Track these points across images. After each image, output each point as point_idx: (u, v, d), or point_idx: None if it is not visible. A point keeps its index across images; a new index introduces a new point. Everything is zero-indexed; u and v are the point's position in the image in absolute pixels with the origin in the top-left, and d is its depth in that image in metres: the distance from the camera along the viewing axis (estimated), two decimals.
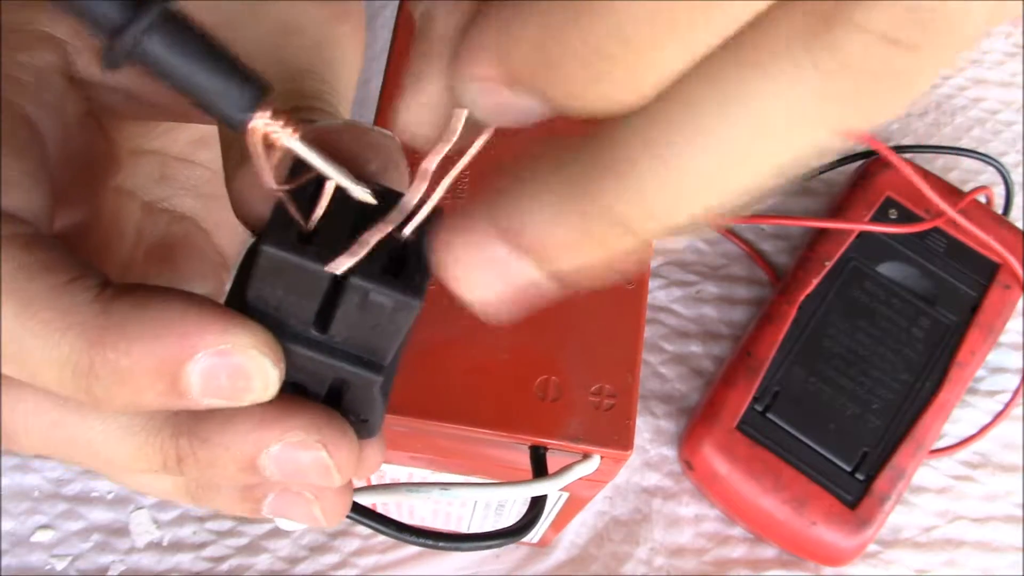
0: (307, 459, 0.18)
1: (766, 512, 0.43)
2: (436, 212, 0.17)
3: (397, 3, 0.39)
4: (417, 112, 0.17)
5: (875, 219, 0.47)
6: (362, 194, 0.16)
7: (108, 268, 0.24)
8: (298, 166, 0.16)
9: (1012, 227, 0.48)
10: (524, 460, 0.27)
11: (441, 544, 0.25)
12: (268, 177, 0.16)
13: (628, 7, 0.13)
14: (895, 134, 0.54)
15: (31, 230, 0.19)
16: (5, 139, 0.20)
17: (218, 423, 0.18)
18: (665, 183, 0.14)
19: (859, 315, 0.46)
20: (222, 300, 0.19)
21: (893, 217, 0.47)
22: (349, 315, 0.17)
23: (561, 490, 0.30)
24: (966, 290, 0.46)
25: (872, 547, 0.45)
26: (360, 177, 0.17)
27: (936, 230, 0.47)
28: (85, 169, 0.23)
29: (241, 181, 0.19)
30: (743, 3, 0.13)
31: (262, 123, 0.15)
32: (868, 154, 0.50)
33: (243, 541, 0.43)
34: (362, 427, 0.20)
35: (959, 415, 0.47)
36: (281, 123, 0.15)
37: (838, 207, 0.48)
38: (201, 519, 0.43)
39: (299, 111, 0.20)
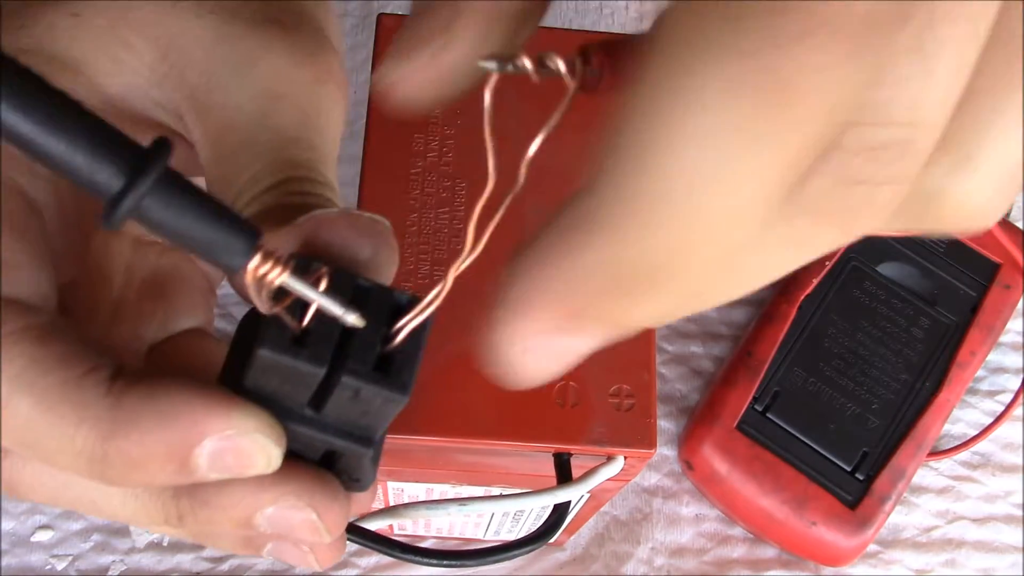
0: (298, 520, 0.20)
1: (766, 512, 0.43)
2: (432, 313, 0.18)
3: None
4: (426, 74, 0.17)
5: None
6: (353, 320, 0.17)
7: (101, 311, 0.25)
8: (299, 264, 0.18)
9: (1012, 227, 0.48)
10: (547, 467, 0.27)
11: (468, 563, 0.25)
12: (265, 307, 0.17)
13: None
14: None
15: (44, 319, 0.20)
16: (4, 219, 0.20)
17: (215, 487, 0.20)
18: None
19: (859, 315, 0.46)
20: (212, 328, 0.19)
21: None
22: (341, 403, 0.18)
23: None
24: (966, 290, 0.46)
25: (872, 547, 0.45)
26: (355, 262, 0.18)
27: None
28: (77, 226, 0.23)
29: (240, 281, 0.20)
30: None
31: (255, 267, 0.17)
32: None
33: None
34: (354, 484, 0.21)
35: (959, 415, 0.48)
36: (271, 264, 0.17)
37: None
38: None
39: (289, 182, 0.21)
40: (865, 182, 0.13)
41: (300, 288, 0.17)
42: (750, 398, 0.44)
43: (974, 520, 0.46)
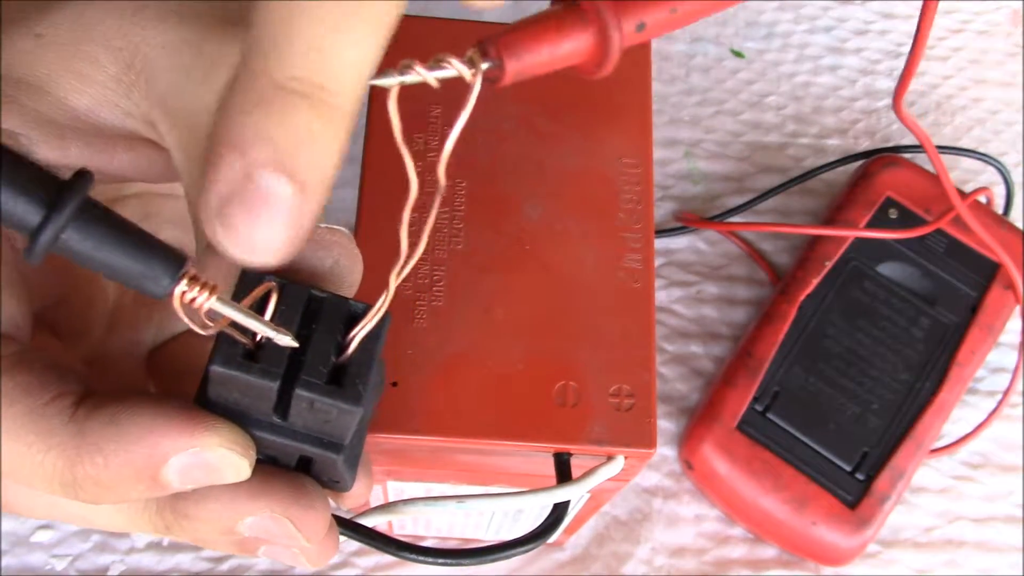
0: (277, 529, 0.21)
1: (766, 512, 0.43)
2: (383, 320, 0.18)
3: None
4: None
5: (875, 219, 0.47)
6: (283, 340, 0.18)
7: (97, 323, 0.25)
8: (248, 279, 0.18)
9: (1012, 227, 0.48)
10: (547, 468, 0.27)
11: (465, 561, 0.25)
12: (200, 328, 0.18)
13: None
14: (895, 134, 0.54)
15: (13, 349, 0.20)
16: None
17: (194, 502, 0.21)
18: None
19: (859, 315, 0.46)
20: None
21: (893, 217, 0.47)
22: (302, 413, 0.19)
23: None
24: (966, 290, 0.46)
25: (872, 547, 0.45)
26: (316, 275, 0.19)
27: (936, 230, 0.47)
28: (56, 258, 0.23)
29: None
30: None
31: (182, 293, 0.17)
32: (869, 154, 0.50)
33: None
34: (335, 485, 0.22)
35: (959, 415, 0.48)
36: (198, 289, 0.17)
37: (838, 207, 0.49)
38: None
39: None
40: None
41: (229, 312, 0.17)
42: (750, 398, 0.44)
43: (974, 520, 0.46)
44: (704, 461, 0.43)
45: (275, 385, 0.18)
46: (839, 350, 0.45)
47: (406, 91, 0.32)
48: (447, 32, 0.31)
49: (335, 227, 0.20)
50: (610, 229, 0.29)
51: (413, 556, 0.25)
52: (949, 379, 0.45)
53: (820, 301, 0.46)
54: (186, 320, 0.17)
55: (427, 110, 0.30)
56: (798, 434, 0.43)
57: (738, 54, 0.55)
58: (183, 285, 0.17)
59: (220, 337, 0.18)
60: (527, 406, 0.26)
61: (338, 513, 0.24)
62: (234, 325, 0.18)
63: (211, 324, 0.18)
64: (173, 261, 0.17)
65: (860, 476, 0.43)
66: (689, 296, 0.50)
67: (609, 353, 0.27)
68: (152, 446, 0.19)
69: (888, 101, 0.55)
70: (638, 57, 0.31)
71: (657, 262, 0.50)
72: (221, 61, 0.22)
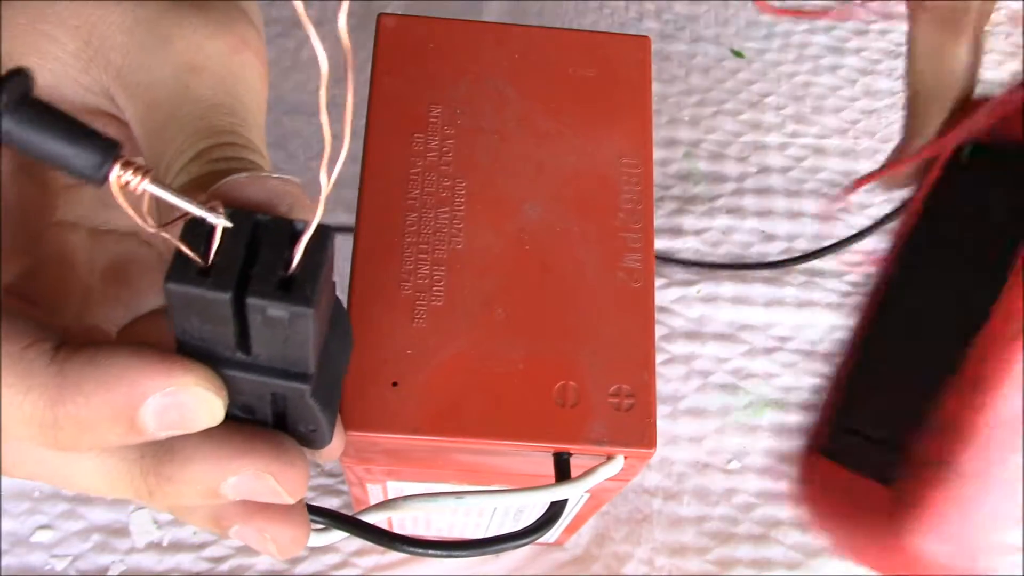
0: (260, 487, 0.21)
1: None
2: (325, 232, 0.19)
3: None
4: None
5: None
6: (216, 220, 0.19)
7: (69, 302, 0.26)
8: (195, 223, 0.19)
9: None
10: (546, 468, 0.27)
11: (456, 553, 0.25)
12: (141, 221, 0.18)
13: None
14: (895, 134, 0.54)
15: None
16: None
17: (179, 464, 0.21)
18: None
19: None
20: None
21: None
22: (261, 334, 0.19)
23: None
24: None
25: None
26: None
27: None
28: (22, 220, 0.24)
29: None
30: None
31: (117, 176, 0.18)
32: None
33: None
34: (313, 436, 0.22)
35: None
36: (132, 171, 0.18)
37: None
38: None
39: (212, 149, 0.22)
40: None
41: (162, 193, 0.18)
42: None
43: None
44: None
45: (227, 296, 0.19)
46: None
47: (406, 91, 0.32)
48: (447, 32, 0.31)
49: (287, 176, 0.21)
50: (610, 229, 0.29)
51: (409, 549, 0.25)
52: None
53: None
54: (126, 208, 0.18)
55: (427, 110, 0.30)
56: None
57: (738, 54, 0.55)
58: (117, 169, 0.18)
59: (175, 257, 0.19)
60: (527, 406, 0.26)
61: (338, 511, 0.24)
62: (195, 245, 0.18)
63: (152, 222, 0.18)
64: (108, 146, 0.18)
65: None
66: (689, 296, 0.50)
67: (609, 353, 0.27)
68: (131, 385, 0.20)
69: (888, 101, 0.55)
70: (638, 57, 0.31)
71: (657, 262, 0.50)
72: (172, 36, 0.23)
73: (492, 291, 0.28)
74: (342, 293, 0.24)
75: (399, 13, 0.31)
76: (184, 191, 0.21)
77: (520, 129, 0.30)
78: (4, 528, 0.43)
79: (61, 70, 0.23)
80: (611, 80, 0.31)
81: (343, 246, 0.24)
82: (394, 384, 0.26)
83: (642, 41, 0.32)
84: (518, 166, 0.30)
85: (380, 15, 0.31)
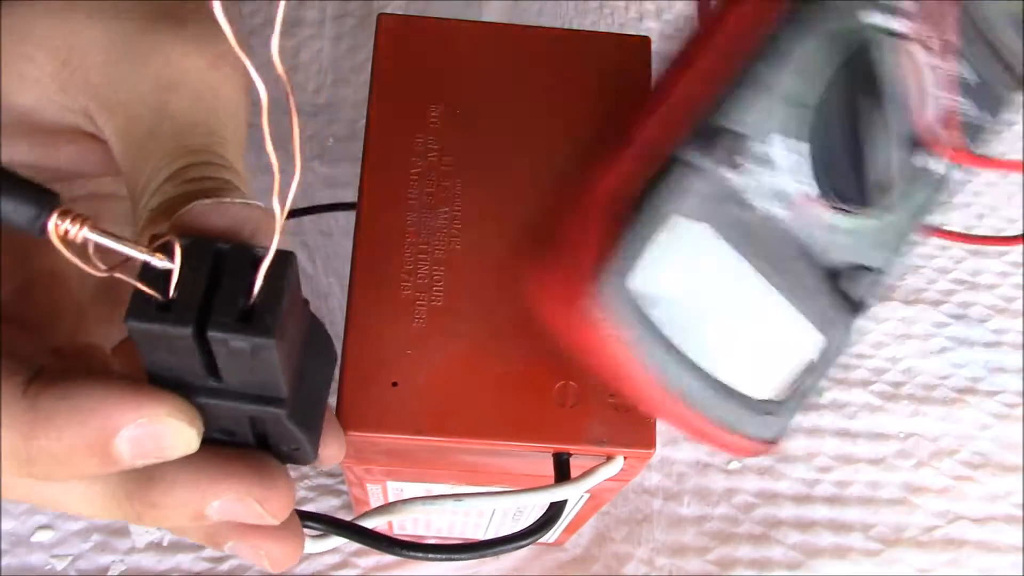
0: (243, 510, 0.22)
1: None
2: (285, 258, 0.19)
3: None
4: None
5: None
6: (161, 264, 0.18)
7: (62, 320, 0.26)
8: (163, 248, 0.19)
9: None
10: (546, 468, 0.27)
11: (456, 556, 0.25)
12: (87, 267, 0.18)
13: None
14: None
15: None
16: None
17: (162, 491, 0.21)
18: None
19: None
20: None
21: None
22: (228, 364, 0.19)
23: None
24: None
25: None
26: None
27: None
28: (13, 236, 0.24)
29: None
30: None
31: (55, 226, 0.18)
32: None
33: None
34: (296, 455, 0.22)
35: (960, 415, 0.48)
36: (71, 220, 0.18)
37: None
38: None
39: (188, 169, 0.22)
40: None
41: (103, 240, 0.18)
42: None
43: (975, 520, 0.46)
44: None
45: (188, 331, 0.18)
46: None
47: (406, 91, 0.32)
48: (447, 32, 0.31)
49: (250, 201, 0.21)
50: None
51: (409, 553, 0.25)
52: None
53: None
54: (69, 256, 0.18)
55: (427, 110, 0.30)
56: None
57: None
58: (55, 219, 0.18)
59: (133, 294, 0.19)
60: (527, 406, 0.26)
61: (337, 515, 0.24)
62: (153, 283, 0.18)
63: (102, 266, 0.18)
64: (44, 198, 0.18)
65: None
66: None
67: None
68: (104, 418, 0.20)
69: None
70: (638, 57, 0.31)
71: None
72: (149, 54, 0.23)
73: (492, 291, 0.28)
74: (342, 293, 0.24)
75: (399, 13, 0.32)
76: (151, 219, 0.21)
77: (520, 129, 0.30)
78: (4, 528, 0.43)
79: (41, 92, 0.23)
80: (611, 80, 0.31)
81: (343, 246, 0.24)
82: (394, 384, 0.26)
83: (642, 41, 0.32)
84: (518, 166, 0.30)
85: (380, 15, 0.31)
